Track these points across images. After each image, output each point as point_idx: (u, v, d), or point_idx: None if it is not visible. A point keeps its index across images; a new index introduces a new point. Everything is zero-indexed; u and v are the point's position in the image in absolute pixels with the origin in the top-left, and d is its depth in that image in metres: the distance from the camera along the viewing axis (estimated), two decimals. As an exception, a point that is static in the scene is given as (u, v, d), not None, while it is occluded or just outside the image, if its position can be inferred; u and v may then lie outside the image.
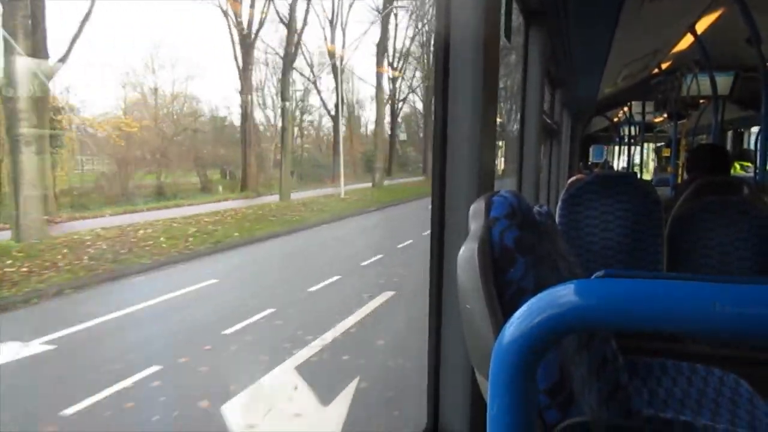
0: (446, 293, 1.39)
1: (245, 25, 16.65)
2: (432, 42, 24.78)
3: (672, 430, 1.08)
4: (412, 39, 27.42)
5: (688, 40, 4.61)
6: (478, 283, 0.70)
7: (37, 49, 7.76)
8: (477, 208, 0.82)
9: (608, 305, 0.44)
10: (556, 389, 0.69)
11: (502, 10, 1.81)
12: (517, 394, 0.47)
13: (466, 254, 0.74)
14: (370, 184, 20.82)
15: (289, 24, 17.05)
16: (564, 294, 0.44)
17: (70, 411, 3.72)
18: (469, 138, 1.34)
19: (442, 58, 1.34)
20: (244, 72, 17.13)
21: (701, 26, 4.21)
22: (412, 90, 29.05)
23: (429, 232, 1.43)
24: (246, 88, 17.35)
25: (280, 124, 18.52)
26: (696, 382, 1.46)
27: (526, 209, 0.89)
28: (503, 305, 0.69)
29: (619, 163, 15.08)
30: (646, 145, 14.93)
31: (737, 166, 6.29)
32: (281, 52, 18.20)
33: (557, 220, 2.51)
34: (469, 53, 1.32)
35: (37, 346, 4.83)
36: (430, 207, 1.40)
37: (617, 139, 14.84)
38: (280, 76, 19.00)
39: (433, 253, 1.40)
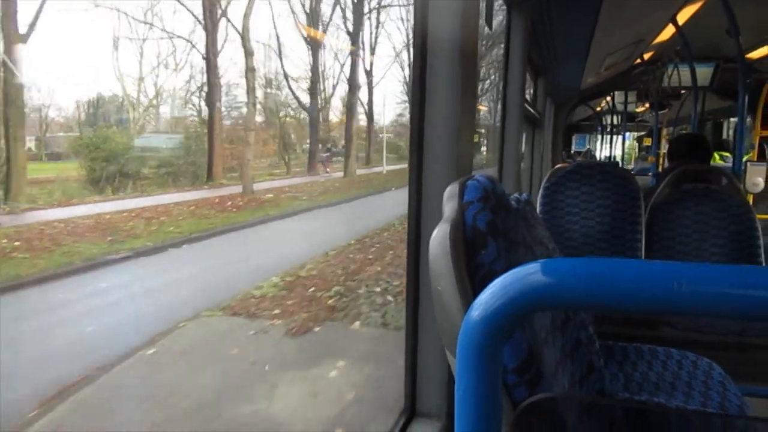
0: (423, 278, 1.39)
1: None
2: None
3: (643, 410, 1.10)
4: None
5: (670, 30, 4.63)
6: (449, 264, 0.70)
7: None
8: (451, 191, 0.82)
9: (572, 284, 0.44)
10: (524, 367, 0.70)
11: None
12: (484, 372, 0.47)
13: (439, 236, 0.74)
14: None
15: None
16: (529, 273, 0.45)
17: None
18: (447, 125, 1.33)
19: (419, 44, 1.33)
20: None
21: (683, 17, 4.23)
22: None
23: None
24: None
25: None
26: (671, 366, 1.48)
27: (500, 194, 0.89)
28: (474, 287, 0.70)
29: (602, 152, 15.17)
30: (628, 134, 15.06)
31: (716, 156, 6.36)
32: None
33: (539, 207, 2.53)
34: (447, 40, 1.30)
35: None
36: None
37: (599, 129, 14.97)
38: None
39: (410, 239, 1.40)
